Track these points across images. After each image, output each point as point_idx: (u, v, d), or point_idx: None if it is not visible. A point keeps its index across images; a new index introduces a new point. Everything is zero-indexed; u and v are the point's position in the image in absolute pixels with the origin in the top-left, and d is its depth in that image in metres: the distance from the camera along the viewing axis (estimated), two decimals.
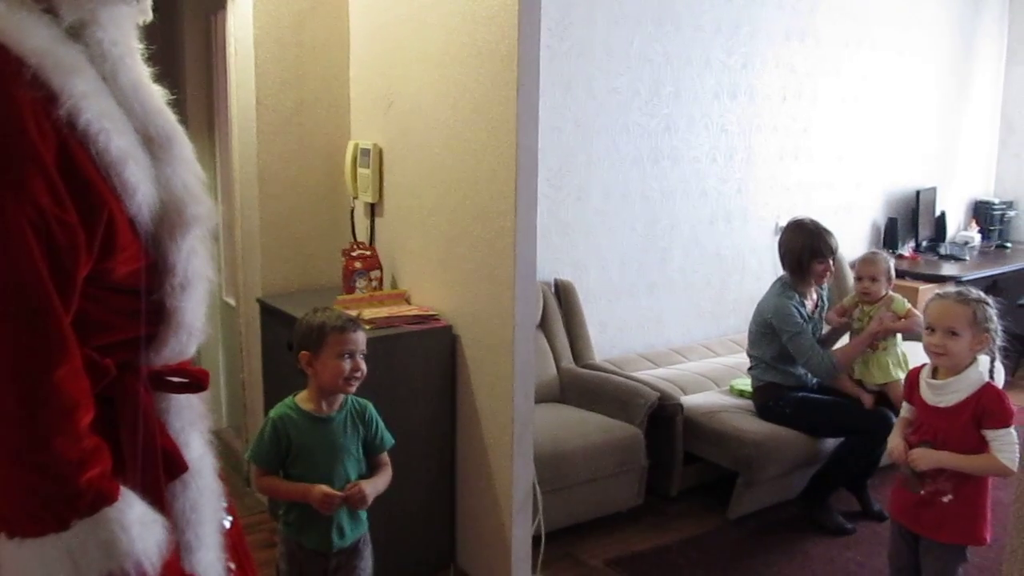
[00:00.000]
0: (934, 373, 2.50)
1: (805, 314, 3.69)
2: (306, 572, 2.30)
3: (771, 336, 3.70)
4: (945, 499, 2.43)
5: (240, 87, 3.54)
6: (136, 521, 1.15)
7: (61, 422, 1.09)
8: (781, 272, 4.77)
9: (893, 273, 3.73)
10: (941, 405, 2.45)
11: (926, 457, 2.43)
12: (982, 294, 2.50)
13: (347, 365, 2.23)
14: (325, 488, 2.18)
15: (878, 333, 3.57)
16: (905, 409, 2.63)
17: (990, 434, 2.37)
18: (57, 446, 1.08)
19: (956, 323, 2.41)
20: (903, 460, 2.48)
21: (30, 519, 1.09)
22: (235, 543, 1.63)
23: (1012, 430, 2.39)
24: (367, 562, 2.37)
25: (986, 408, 2.38)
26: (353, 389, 2.28)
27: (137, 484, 1.22)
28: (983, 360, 2.49)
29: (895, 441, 2.55)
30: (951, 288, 2.55)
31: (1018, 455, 2.34)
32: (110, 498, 1.13)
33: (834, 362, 3.61)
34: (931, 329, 2.46)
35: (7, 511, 1.09)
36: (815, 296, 3.80)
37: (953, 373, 2.44)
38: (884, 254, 3.75)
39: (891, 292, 3.70)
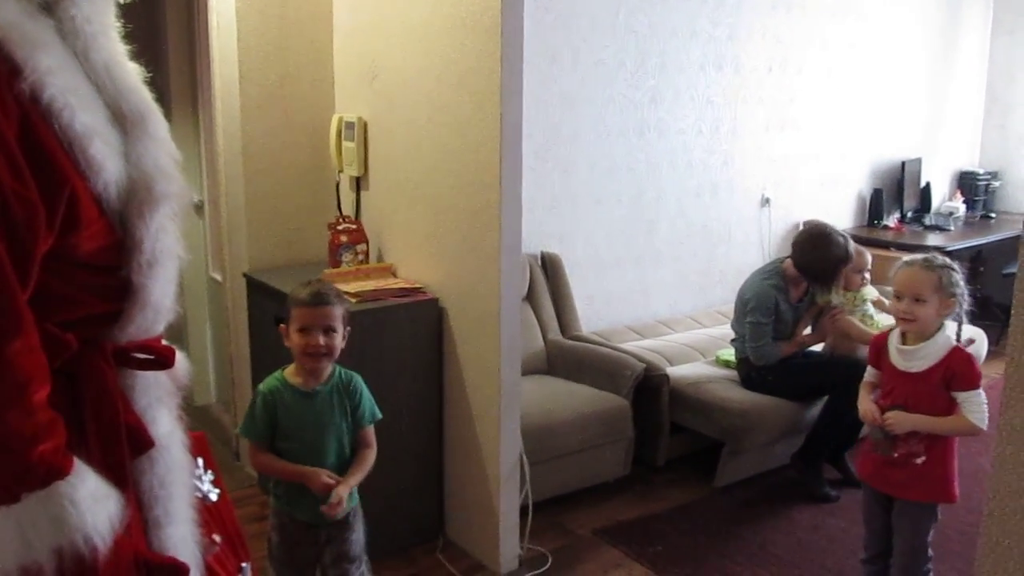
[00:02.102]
0: (903, 339, 2.55)
1: (787, 303, 3.71)
2: (297, 543, 2.31)
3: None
4: (918, 460, 2.49)
5: (223, 61, 3.52)
6: (87, 496, 1.15)
7: (14, 396, 1.09)
8: (767, 245, 4.81)
9: None
10: (912, 370, 2.50)
11: (902, 420, 2.48)
12: (948, 260, 2.55)
13: (307, 339, 2.21)
14: (326, 479, 2.18)
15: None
16: (870, 373, 2.68)
17: (960, 396, 2.44)
18: (9, 420, 1.08)
19: (922, 289, 2.46)
20: (878, 423, 2.53)
21: None
22: (223, 516, 1.63)
23: (981, 391, 2.46)
24: (358, 534, 2.37)
25: (955, 371, 2.44)
26: (318, 364, 2.24)
27: (98, 460, 1.22)
28: (950, 325, 2.55)
29: (866, 405, 2.60)
30: (917, 255, 2.60)
31: (987, 415, 2.42)
32: (61, 472, 1.13)
33: (778, 353, 3.69)
34: (898, 296, 2.51)
35: None
36: (804, 285, 3.80)
37: (922, 339, 2.49)
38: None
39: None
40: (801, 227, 5.27)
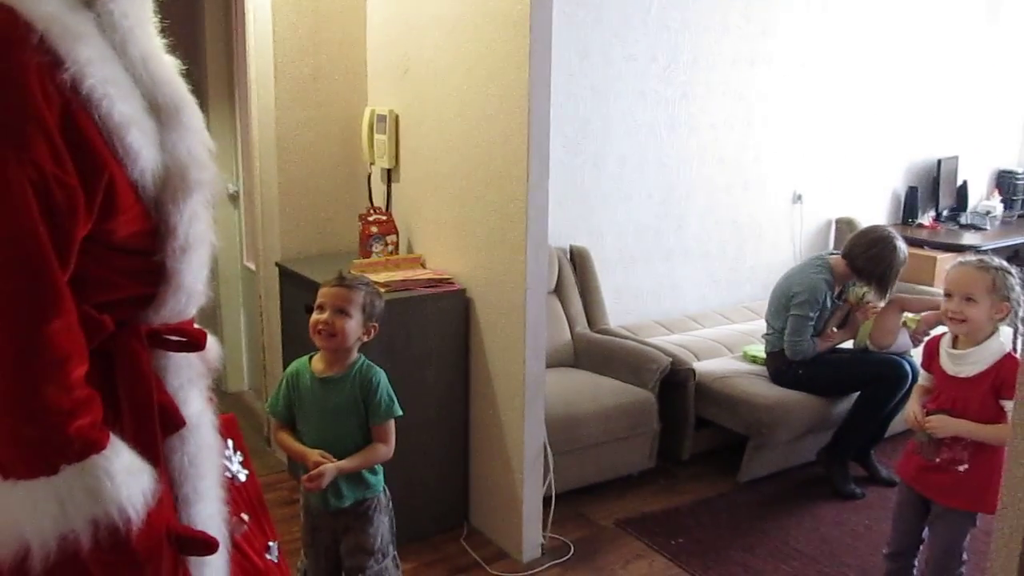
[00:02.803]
0: (954, 343, 2.48)
1: (832, 299, 3.71)
2: (317, 527, 2.36)
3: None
4: (961, 468, 2.42)
5: (258, 55, 3.59)
6: (122, 469, 1.19)
7: (53, 372, 1.13)
8: (799, 243, 4.80)
9: None
10: (961, 375, 2.43)
11: (944, 424, 2.42)
12: (1004, 263, 2.46)
13: (316, 316, 2.25)
14: (318, 458, 2.21)
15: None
16: (923, 377, 2.62)
17: (1009, 404, 2.31)
18: (48, 395, 1.13)
19: (974, 289, 2.39)
20: (920, 426, 2.48)
21: (22, 463, 1.14)
22: (251, 496, 1.68)
23: None
24: (378, 527, 2.35)
25: (1006, 379, 2.34)
26: (325, 344, 2.26)
27: (131, 437, 1.26)
28: (1005, 331, 2.47)
29: (912, 407, 2.54)
30: (972, 256, 2.51)
31: None
32: (98, 446, 1.18)
33: (815, 349, 3.68)
34: (948, 295, 2.44)
35: (2, 454, 1.15)
36: (843, 282, 3.80)
37: (973, 343, 2.42)
38: None
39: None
40: (834, 224, 5.26)
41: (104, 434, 1.20)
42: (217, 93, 4.31)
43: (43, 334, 1.12)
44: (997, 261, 2.47)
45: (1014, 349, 2.46)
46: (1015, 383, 2.31)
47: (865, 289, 3.71)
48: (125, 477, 1.19)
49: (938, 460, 2.46)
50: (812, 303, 3.64)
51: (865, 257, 3.64)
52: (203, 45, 4.27)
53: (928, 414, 2.48)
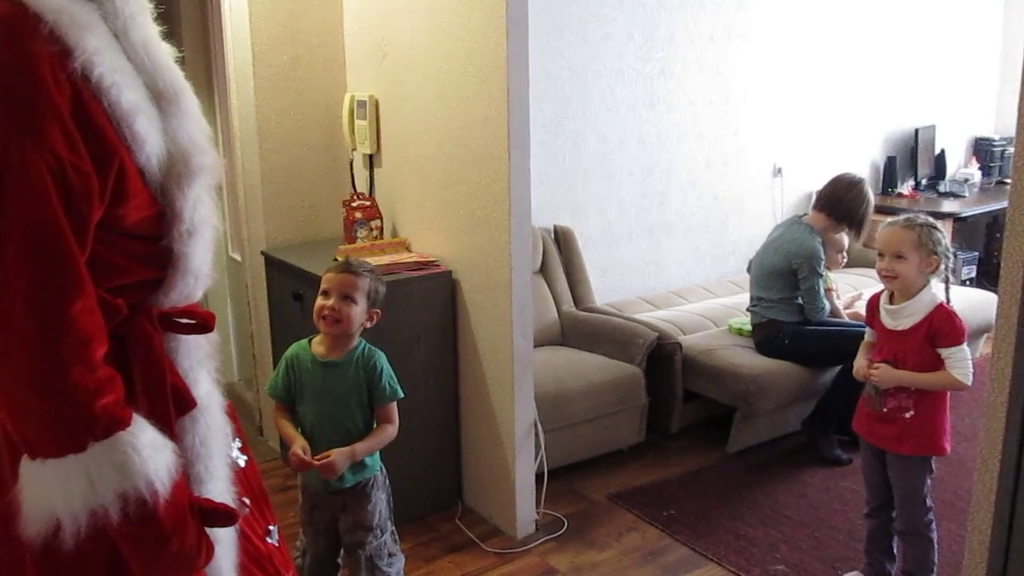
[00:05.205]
0: (891, 299, 2.63)
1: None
2: (316, 506, 2.39)
3: (787, 277, 3.76)
4: (907, 415, 2.57)
5: (236, 44, 3.58)
6: (147, 444, 1.23)
7: (78, 353, 1.17)
8: (780, 215, 4.83)
9: None
10: (898, 328, 2.58)
11: (887, 375, 2.57)
12: (930, 219, 2.61)
13: (322, 302, 2.27)
14: (298, 451, 2.21)
15: None
16: (868, 333, 2.77)
17: (944, 352, 2.51)
18: (74, 375, 1.16)
19: (902, 247, 2.53)
20: (867, 378, 2.63)
21: (51, 442, 1.17)
22: (250, 481, 1.71)
23: (965, 347, 2.52)
24: (376, 504, 2.39)
25: (938, 328, 2.51)
26: (329, 329, 2.28)
27: (147, 418, 1.29)
28: (937, 284, 2.62)
29: (859, 362, 2.70)
30: (901, 216, 2.66)
31: (971, 370, 2.50)
32: (123, 423, 1.21)
33: (828, 304, 3.79)
34: (880, 254, 2.59)
35: (30, 434, 1.18)
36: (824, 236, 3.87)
37: (907, 297, 2.57)
38: None
39: None
40: (814, 197, 5.28)
41: (128, 411, 1.23)
42: (195, 83, 4.20)
43: (67, 315, 1.16)
44: (923, 218, 2.60)
45: (947, 300, 2.61)
46: (947, 331, 2.50)
47: None
48: (151, 452, 1.23)
49: (885, 410, 2.60)
50: (817, 268, 3.73)
51: (846, 202, 3.77)
52: (180, 35, 4.25)
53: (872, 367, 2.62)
